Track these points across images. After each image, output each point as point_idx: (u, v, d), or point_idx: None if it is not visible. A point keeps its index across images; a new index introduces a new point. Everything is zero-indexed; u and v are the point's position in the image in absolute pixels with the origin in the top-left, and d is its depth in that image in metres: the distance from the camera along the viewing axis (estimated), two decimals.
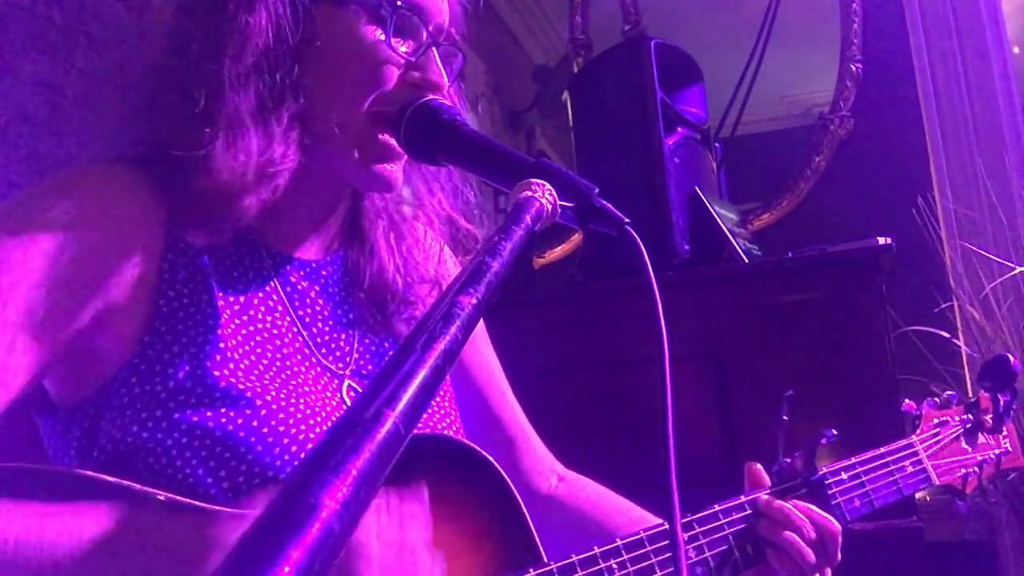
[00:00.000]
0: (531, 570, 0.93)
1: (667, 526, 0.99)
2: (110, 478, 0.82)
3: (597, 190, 0.84)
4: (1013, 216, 2.79)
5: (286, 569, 0.42)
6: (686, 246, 2.08)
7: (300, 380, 0.98)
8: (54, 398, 0.95)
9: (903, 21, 3.08)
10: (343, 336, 1.06)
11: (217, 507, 0.84)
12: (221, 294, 0.96)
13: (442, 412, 1.11)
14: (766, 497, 1.10)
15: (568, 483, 1.27)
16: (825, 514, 1.10)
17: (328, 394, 1.00)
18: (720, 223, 2.10)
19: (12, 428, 0.87)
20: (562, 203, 0.80)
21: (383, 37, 0.96)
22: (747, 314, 1.94)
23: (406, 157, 1.02)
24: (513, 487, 0.98)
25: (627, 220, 0.84)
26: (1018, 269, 2.57)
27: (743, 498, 1.10)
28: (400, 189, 1.06)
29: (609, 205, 0.84)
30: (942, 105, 2.98)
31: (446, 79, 1.00)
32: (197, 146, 0.90)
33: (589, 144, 2.28)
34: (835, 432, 1.13)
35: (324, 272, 1.08)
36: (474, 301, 0.62)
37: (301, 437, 0.92)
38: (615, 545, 0.98)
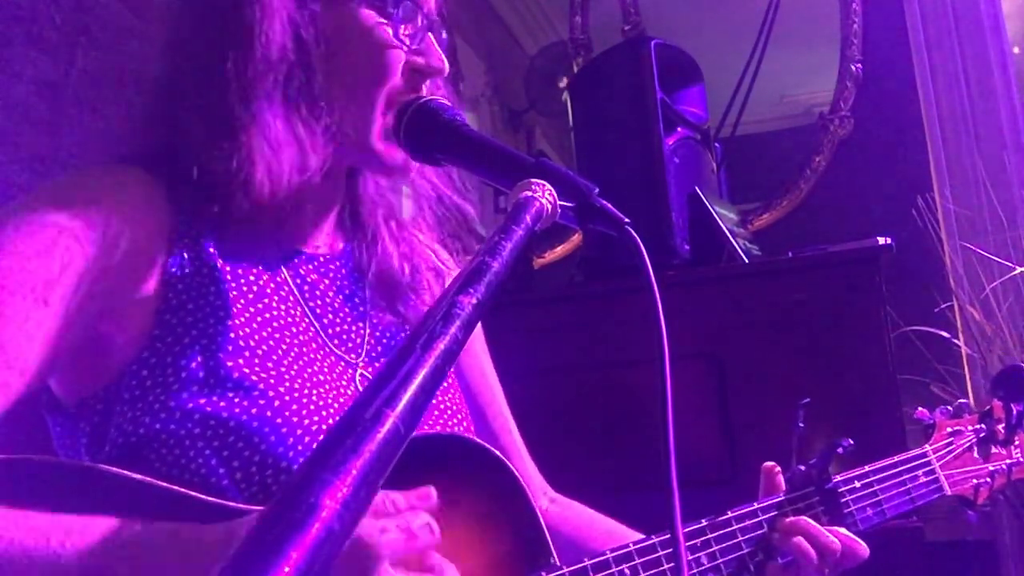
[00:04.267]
0: (543, 573, 0.93)
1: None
2: (123, 472, 0.82)
3: (597, 190, 0.84)
4: (1013, 216, 2.79)
5: (286, 569, 0.42)
6: (686, 246, 2.08)
7: (314, 369, 0.98)
8: (59, 396, 0.96)
9: (903, 21, 3.08)
10: (355, 326, 1.07)
11: (226, 502, 0.85)
12: (233, 286, 0.97)
13: (452, 411, 1.11)
14: (789, 519, 1.09)
15: (559, 504, 1.27)
16: (851, 535, 1.09)
17: (343, 383, 1.00)
18: (720, 223, 2.10)
19: (16, 425, 0.87)
20: (562, 203, 0.80)
21: (384, 21, 0.99)
22: (747, 314, 1.93)
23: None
24: (525, 488, 0.98)
25: (627, 220, 0.84)
26: (1018, 269, 2.57)
27: (756, 505, 1.10)
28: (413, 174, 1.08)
29: (609, 205, 0.85)
30: (942, 105, 2.98)
31: (447, 64, 1.03)
32: (230, 162, 0.92)
33: (589, 144, 2.27)
34: (851, 442, 1.12)
35: (333, 265, 1.09)
36: (474, 301, 0.62)
37: (314, 428, 0.92)
38: (628, 550, 0.98)
